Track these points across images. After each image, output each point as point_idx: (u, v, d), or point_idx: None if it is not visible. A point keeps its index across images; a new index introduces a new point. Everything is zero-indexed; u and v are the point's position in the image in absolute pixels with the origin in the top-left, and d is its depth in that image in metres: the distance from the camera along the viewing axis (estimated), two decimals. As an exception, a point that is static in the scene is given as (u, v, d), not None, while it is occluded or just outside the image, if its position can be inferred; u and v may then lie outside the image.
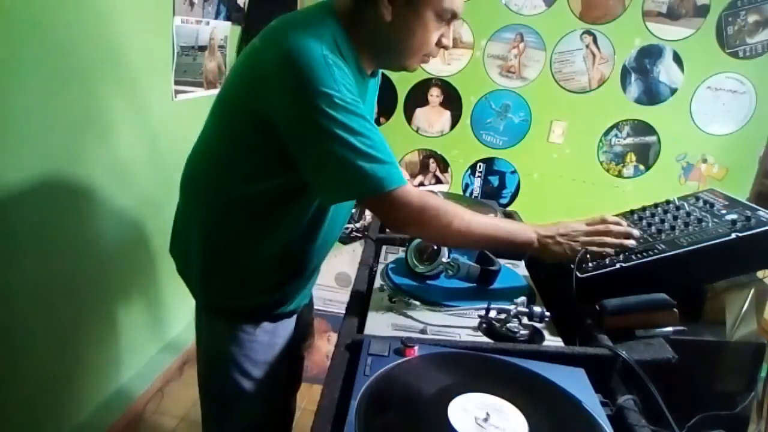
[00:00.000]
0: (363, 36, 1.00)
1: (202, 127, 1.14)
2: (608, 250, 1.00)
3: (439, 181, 2.78)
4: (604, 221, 1.05)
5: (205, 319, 1.19)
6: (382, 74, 1.25)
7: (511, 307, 0.92)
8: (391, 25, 0.97)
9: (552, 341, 0.90)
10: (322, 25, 0.96)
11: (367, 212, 2.75)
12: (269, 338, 1.16)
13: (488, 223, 1.03)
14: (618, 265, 0.95)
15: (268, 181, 1.03)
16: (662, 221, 1.05)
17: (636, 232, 1.03)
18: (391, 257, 1.20)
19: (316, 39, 0.92)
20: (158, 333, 2.26)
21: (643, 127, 2.55)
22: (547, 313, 0.92)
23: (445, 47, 1.04)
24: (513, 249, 1.06)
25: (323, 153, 0.92)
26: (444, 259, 1.05)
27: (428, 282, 1.07)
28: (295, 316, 1.22)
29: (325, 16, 0.99)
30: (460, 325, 0.93)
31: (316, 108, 0.89)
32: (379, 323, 0.92)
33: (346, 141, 0.90)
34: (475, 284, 1.06)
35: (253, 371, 1.16)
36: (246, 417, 1.20)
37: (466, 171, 2.75)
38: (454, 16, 1.00)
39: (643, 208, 1.14)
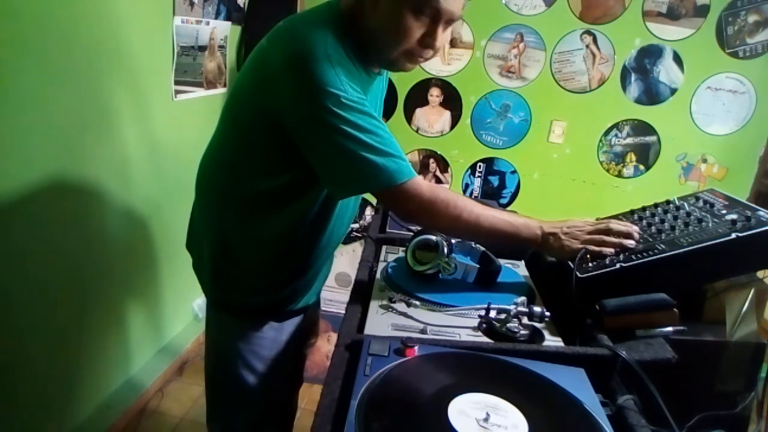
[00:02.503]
0: (362, 33, 1.00)
1: (213, 128, 1.17)
2: (608, 250, 1.00)
3: (439, 181, 2.78)
4: (607, 225, 1.05)
5: (214, 314, 1.22)
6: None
7: (511, 307, 0.92)
8: (373, 18, 0.97)
9: (552, 341, 0.90)
10: (327, 25, 0.97)
11: (367, 212, 2.76)
12: (276, 335, 1.19)
13: (496, 216, 1.04)
14: (618, 265, 0.95)
15: (275, 178, 1.05)
16: (662, 221, 1.05)
17: (636, 227, 1.03)
18: (391, 257, 1.20)
19: (321, 39, 0.93)
20: (158, 333, 2.26)
21: (643, 127, 2.55)
22: (547, 313, 0.92)
23: (430, 47, 0.98)
24: (518, 243, 1.07)
25: (334, 150, 0.94)
26: (442, 258, 1.05)
27: (428, 282, 1.07)
28: (302, 315, 1.24)
29: (331, 15, 1.00)
30: (460, 325, 0.93)
31: (323, 108, 0.91)
32: (379, 323, 0.92)
33: (357, 137, 0.92)
34: (473, 284, 1.06)
35: (259, 367, 1.18)
36: (250, 412, 1.22)
37: (466, 171, 2.75)
38: (438, 14, 0.94)
39: (643, 208, 1.14)
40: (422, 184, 0.99)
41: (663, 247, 0.96)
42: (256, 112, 1.01)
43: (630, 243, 1.00)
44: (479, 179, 2.75)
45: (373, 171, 0.94)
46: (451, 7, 0.94)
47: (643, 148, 2.58)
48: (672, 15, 2.39)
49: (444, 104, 2.66)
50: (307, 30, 0.95)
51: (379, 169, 0.94)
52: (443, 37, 1.00)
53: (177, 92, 2.03)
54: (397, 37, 0.96)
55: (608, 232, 1.02)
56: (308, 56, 0.91)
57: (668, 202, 1.13)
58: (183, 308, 2.42)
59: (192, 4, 1.98)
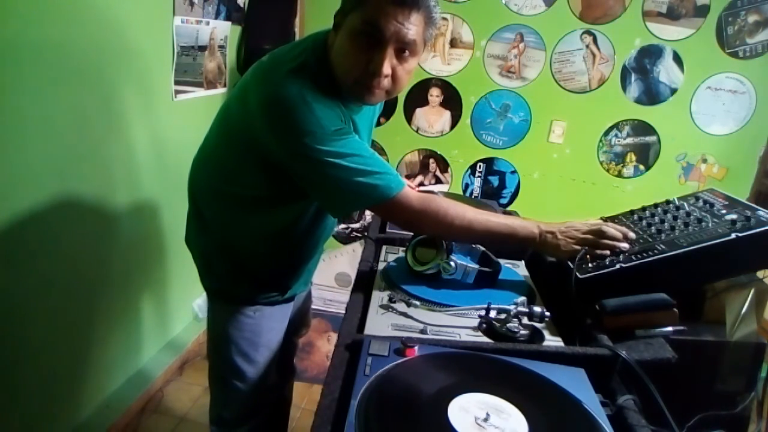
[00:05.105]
0: (331, 66, 1.02)
1: (207, 130, 1.19)
2: (605, 251, 1.00)
3: (439, 181, 2.78)
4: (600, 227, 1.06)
5: (210, 303, 1.27)
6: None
7: (511, 307, 0.92)
8: (332, 51, 1.00)
9: (552, 341, 0.90)
10: (306, 59, 1.00)
11: (367, 213, 2.75)
12: (267, 322, 1.24)
13: (491, 220, 1.05)
14: (618, 266, 0.95)
15: (274, 187, 1.08)
16: (662, 221, 1.05)
17: (632, 234, 1.02)
18: (391, 257, 1.20)
19: (296, 77, 0.96)
20: (158, 333, 2.26)
21: (643, 127, 2.55)
22: (547, 313, 0.92)
23: (376, 73, 0.96)
24: (516, 244, 1.08)
25: (323, 179, 0.98)
26: (442, 258, 1.05)
27: (428, 282, 1.07)
28: (292, 303, 1.31)
29: (314, 50, 1.02)
30: (460, 325, 0.93)
31: (303, 146, 0.94)
32: (379, 323, 0.92)
33: (341, 165, 0.95)
34: (473, 284, 1.06)
35: (252, 353, 1.23)
36: (245, 400, 1.27)
37: (466, 171, 2.75)
38: (381, 37, 0.93)
39: (643, 208, 1.14)
40: (411, 195, 1.02)
41: (663, 247, 0.95)
42: (245, 140, 1.04)
43: (624, 246, 1.00)
44: (479, 179, 2.75)
45: (362, 191, 0.98)
46: (394, 29, 0.93)
47: (643, 148, 2.58)
48: (672, 15, 2.39)
49: (444, 104, 2.66)
50: (284, 69, 0.98)
51: (368, 188, 0.98)
52: (406, 66, 0.98)
53: (177, 92, 2.03)
54: (344, 66, 0.98)
55: (602, 234, 1.02)
56: (281, 100, 0.95)
57: (668, 202, 1.13)
58: (183, 308, 2.42)
59: (192, 4, 1.98)
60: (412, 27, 0.94)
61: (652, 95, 2.51)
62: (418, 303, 0.99)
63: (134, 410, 1.99)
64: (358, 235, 2.82)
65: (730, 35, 2.38)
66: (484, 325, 0.93)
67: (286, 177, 1.02)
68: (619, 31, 2.44)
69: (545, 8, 2.47)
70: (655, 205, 1.14)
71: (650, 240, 1.00)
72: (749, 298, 1.00)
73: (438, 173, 2.78)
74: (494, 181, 2.74)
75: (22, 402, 1.54)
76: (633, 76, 2.49)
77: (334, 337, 2.32)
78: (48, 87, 1.44)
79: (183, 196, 1.25)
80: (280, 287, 1.23)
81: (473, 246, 1.13)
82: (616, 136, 2.58)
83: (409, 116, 2.70)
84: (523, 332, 0.90)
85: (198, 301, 2.48)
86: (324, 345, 2.34)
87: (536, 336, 0.91)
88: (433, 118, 2.69)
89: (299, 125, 0.94)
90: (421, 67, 2.62)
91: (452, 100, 2.65)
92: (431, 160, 2.76)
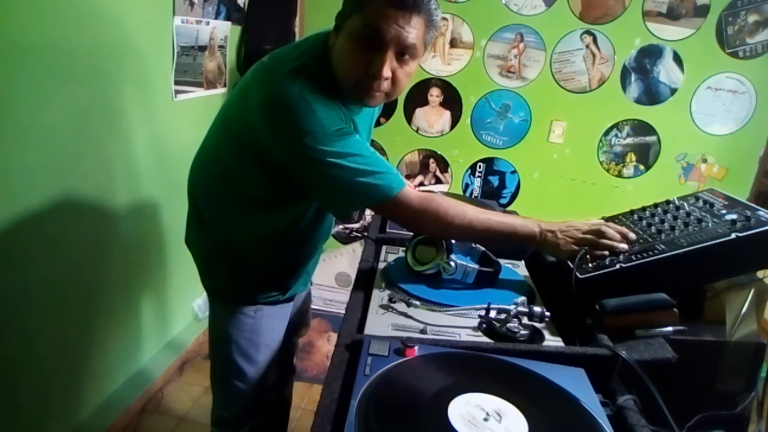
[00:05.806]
0: (332, 68, 1.03)
1: (207, 130, 1.20)
2: (604, 251, 1.00)
3: (439, 181, 2.78)
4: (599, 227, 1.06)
5: (211, 303, 1.28)
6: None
7: (511, 307, 0.92)
8: (333, 52, 1.01)
9: (552, 341, 0.90)
10: (307, 60, 1.00)
11: (367, 213, 2.76)
12: (267, 322, 1.24)
13: (491, 219, 1.05)
14: (618, 266, 0.95)
15: (274, 188, 1.09)
16: (662, 221, 1.05)
17: (632, 235, 1.02)
18: (391, 257, 1.20)
19: (296, 78, 0.96)
20: (158, 333, 2.26)
21: (643, 127, 2.56)
22: (547, 313, 0.92)
23: (375, 76, 0.96)
24: (516, 242, 1.08)
25: (323, 179, 0.98)
26: (442, 258, 1.05)
27: (428, 282, 1.07)
28: (292, 303, 1.31)
29: (316, 48, 1.02)
30: (460, 325, 0.93)
31: (304, 146, 0.95)
32: (379, 323, 0.92)
33: (342, 165, 0.96)
34: (473, 284, 1.06)
35: (252, 353, 1.24)
36: (245, 400, 1.28)
37: (466, 171, 2.75)
38: (382, 41, 0.93)
39: (643, 208, 1.14)
40: (412, 195, 1.02)
41: (663, 247, 0.95)
42: (245, 140, 1.04)
43: (623, 246, 1.00)
44: (479, 179, 2.75)
45: (363, 190, 0.98)
46: (394, 32, 0.93)
47: (643, 148, 2.59)
48: (672, 15, 2.39)
49: (444, 104, 2.66)
50: (284, 70, 0.98)
51: (369, 188, 0.98)
52: (406, 68, 0.99)
53: (177, 92, 2.03)
54: (345, 68, 0.98)
55: (601, 234, 1.02)
56: (282, 100, 0.95)
57: (668, 202, 1.13)
58: (183, 308, 2.42)
59: (192, 4, 1.98)
60: (413, 30, 0.95)
61: (652, 95, 2.51)
62: (418, 303, 0.99)
63: (134, 410, 1.98)
64: (358, 235, 2.82)
65: (730, 35, 2.38)
66: (484, 325, 0.93)
67: (286, 177, 1.02)
68: (619, 31, 2.44)
69: (545, 8, 2.47)
70: (655, 205, 1.13)
71: (650, 240, 1.00)
72: (749, 298, 1.00)
73: (438, 173, 2.78)
74: (494, 181, 2.74)
75: (22, 402, 1.54)
76: (633, 76, 2.50)
77: (334, 337, 2.32)
78: (48, 87, 1.44)
79: (183, 196, 1.25)
80: (280, 287, 1.24)
81: (473, 246, 1.13)
82: (616, 136, 2.58)
83: (409, 116, 2.70)
84: (523, 332, 0.90)
85: (198, 301, 2.48)
86: (324, 345, 2.34)
87: (536, 336, 0.91)
88: (433, 118, 2.69)
89: (300, 125, 0.94)
90: (421, 67, 2.62)
91: (452, 100, 2.65)
92: (431, 160, 2.76)
